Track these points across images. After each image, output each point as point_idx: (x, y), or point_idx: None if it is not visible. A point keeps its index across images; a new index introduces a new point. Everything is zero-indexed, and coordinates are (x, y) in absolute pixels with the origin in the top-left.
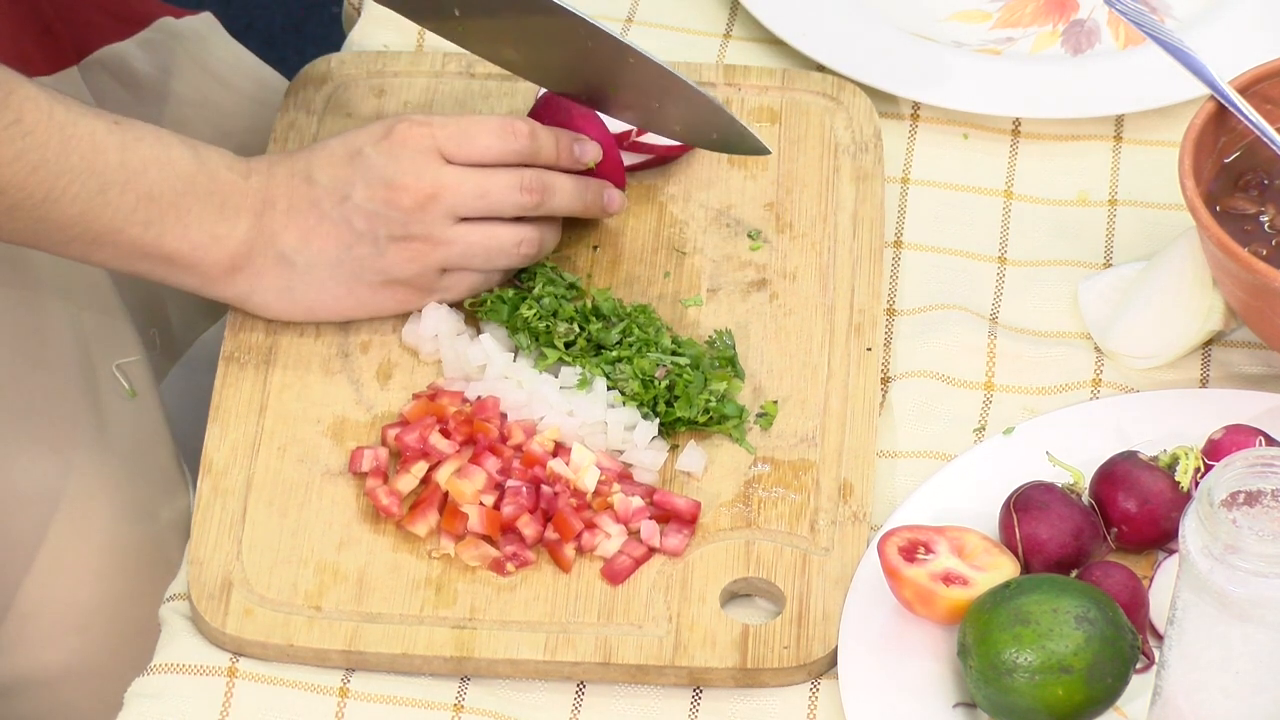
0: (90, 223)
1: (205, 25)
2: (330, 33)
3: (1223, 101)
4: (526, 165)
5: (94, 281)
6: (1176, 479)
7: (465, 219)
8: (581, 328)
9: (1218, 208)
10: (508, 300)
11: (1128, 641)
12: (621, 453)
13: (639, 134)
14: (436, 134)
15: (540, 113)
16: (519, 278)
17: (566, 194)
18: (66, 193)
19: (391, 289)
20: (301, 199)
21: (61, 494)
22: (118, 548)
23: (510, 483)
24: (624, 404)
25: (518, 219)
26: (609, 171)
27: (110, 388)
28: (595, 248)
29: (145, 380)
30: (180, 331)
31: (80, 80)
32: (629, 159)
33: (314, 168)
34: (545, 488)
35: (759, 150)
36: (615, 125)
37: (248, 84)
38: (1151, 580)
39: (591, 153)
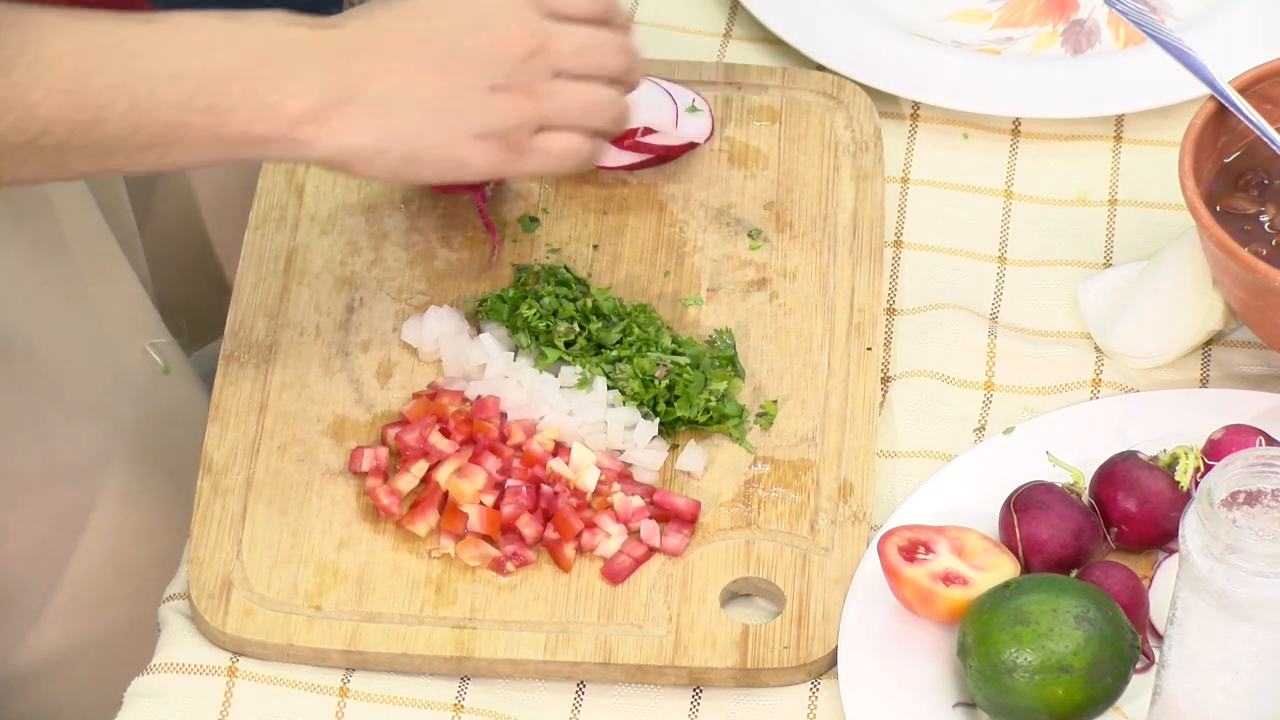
0: (148, 127)
1: None
2: None
3: (1223, 101)
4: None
5: (117, 274)
6: (1176, 479)
7: (562, 76)
8: (581, 327)
9: (1218, 208)
10: (508, 300)
11: (1128, 641)
12: (621, 452)
13: (643, 134)
14: None
15: None
16: (521, 275)
17: (637, 73)
18: (114, 109)
19: (487, 142)
20: (392, 47)
21: (103, 468)
22: (158, 516)
23: (510, 482)
24: (624, 404)
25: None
26: None
27: (143, 365)
28: (595, 247)
29: (179, 357)
30: (205, 327)
31: None
32: (629, 158)
33: (402, 17)
34: (545, 487)
35: None
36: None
37: None
38: (1151, 580)
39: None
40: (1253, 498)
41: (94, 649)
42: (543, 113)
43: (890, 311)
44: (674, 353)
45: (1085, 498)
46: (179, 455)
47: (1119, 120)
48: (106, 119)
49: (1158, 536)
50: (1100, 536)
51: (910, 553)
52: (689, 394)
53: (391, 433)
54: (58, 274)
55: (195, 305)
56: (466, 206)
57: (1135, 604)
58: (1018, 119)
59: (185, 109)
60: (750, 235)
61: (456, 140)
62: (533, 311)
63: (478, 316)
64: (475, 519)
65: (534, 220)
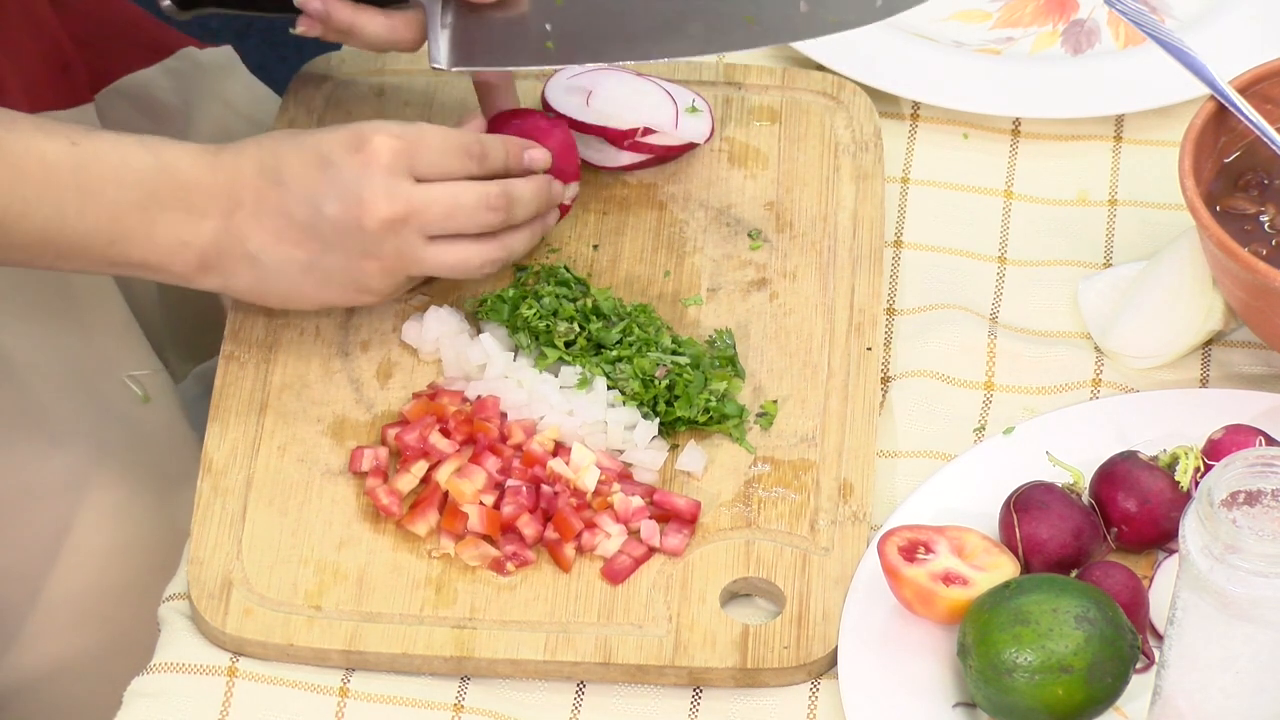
0: (52, 242)
1: (226, 58)
2: None
3: (1223, 101)
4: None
5: (107, 301)
6: (1176, 479)
7: (434, 237)
8: (581, 327)
9: (1218, 208)
10: (508, 300)
11: (1128, 641)
12: (621, 452)
13: (643, 134)
14: (408, 149)
15: (499, 121)
16: (521, 275)
17: (527, 202)
18: (23, 219)
19: (362, 294)
20: (269, 202)
21: (80, 490)
22: (135, 539)
23: (510, 482)
24: (624, 403)
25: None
26: (564, 170)
27: (124, 394)
28: (595, 247)
29: (161, 386)
30: (197, 346)
31: (94, 115)
32: (628, 158)
33: (283, 168)
34: (545, 487)
35: None
36: (619, 123)
37: (267, 119)
38: (1151, 580)
39: (541, 160)
40: (1253, 498)
41: (77, 667)
42: (416, 273)
43: (890, 311)
44: (674, 353)
45: (1085, 498)
46: (163, 480)
47: (1119, 120)
48: (13, 228)
49: (1158, 536)
50: (1100, 536)
51: (910, 553)
52: (689, 394)
53: (391, 433)
54: (47, 296)
55: (202, 320)
56: None
57: (1135, 604)
58: (1018, 119)
59: (88, 237)
60: (750, 235)
61: (329, 291)
62: (533, 311)
63: (478, 316)
64: (475, 519)
65: None
